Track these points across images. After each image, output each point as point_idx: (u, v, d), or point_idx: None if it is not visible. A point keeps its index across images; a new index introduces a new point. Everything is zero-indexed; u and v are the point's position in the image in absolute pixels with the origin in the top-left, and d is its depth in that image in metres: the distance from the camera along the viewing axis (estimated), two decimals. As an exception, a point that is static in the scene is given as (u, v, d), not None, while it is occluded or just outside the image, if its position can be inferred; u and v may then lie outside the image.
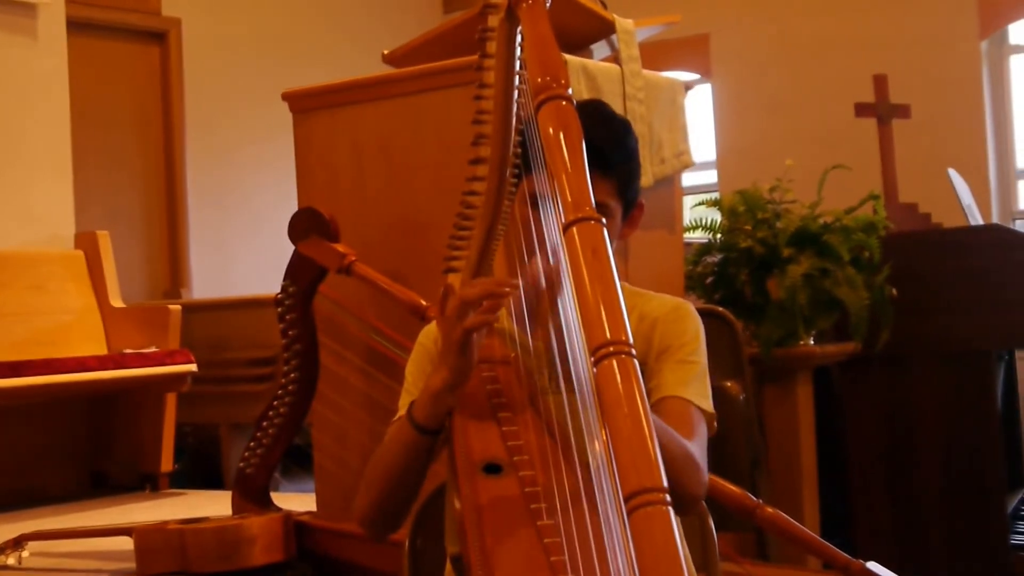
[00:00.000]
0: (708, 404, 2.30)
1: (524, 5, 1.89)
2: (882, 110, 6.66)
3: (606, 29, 4.45)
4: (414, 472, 2.22)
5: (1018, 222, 8.95)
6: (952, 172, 6.59)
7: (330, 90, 4.40)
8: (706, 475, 2.19)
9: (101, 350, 6.51)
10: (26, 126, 6.73)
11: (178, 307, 6.58)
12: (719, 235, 5.17)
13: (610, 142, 2.31)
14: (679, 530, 1.39)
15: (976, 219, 6.36)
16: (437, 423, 2.15)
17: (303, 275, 4.22)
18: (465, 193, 2.17)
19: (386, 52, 4.40)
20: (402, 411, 2.27)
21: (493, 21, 2.00)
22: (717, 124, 10.01)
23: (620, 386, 1.45)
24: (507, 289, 2.04)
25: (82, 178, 7.21)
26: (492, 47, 2.02)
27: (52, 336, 6.41)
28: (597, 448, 1.92)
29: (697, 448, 2.19)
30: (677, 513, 2.39)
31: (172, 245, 8.97)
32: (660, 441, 2.07)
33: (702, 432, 2.25)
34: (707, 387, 2.33)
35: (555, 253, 2.09)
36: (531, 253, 2.21)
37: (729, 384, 4.41)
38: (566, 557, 1.82)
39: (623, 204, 2.37)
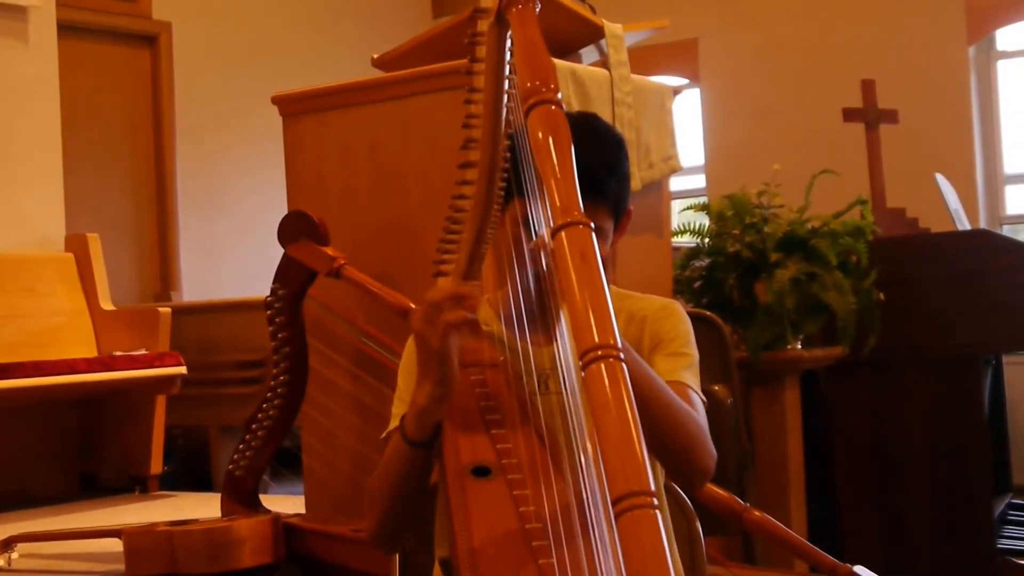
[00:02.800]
0: (701, 394, 2.31)
1: (514, 10, 1.89)
2: (870, 115, 6.68)
3: (595, 34, 4.45)
4: (415, 485, 2.22)
5: (1005, 227, 8.98)
6: (939, 177, 6.62)
7: (319, 94, 4.40)
8: (714, 449, 2.19)
9: (91, 352, 6.51)
10: (16, 129, 6.73)
11: (168, 310, 6.58)
12: (707, 239, 5.19)
13: (603, 167, 2.31)
14: (667, 533, 1.39)
15: (963, 224, 6.39)
16: (429, 436, 2.14)
17: (292, 278, 4.22)
18: (454, 197, 2.16)
19: (375, 56, 4.40)
20: (395, 419, 2.27)
21: (483, 26, 2.00)
22: (706, 129, 10.03)
23: (608, 390, 1.45)
24: (470, 289, 2.05)
25: (72, 181, 7.21)
26: (482, 52, 2.02)
27: (42, 338, 6.41)
28: (584, 451, 1.93)
29: (704, 423, 2.21)
30: (689, 489, 2.41)
31: (162, 248, 8.97)
32: (675, 411, 2.11)
33: (703, 412, 2.25)
34: (699, 379, 2.34)
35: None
36: (520, 258, 2.21)
37: (717, 388, 4.41)
38: (554, 560, 1.82)
39: (615, 220, 2.38)
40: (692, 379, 2.31)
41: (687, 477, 2.24)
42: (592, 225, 1.61)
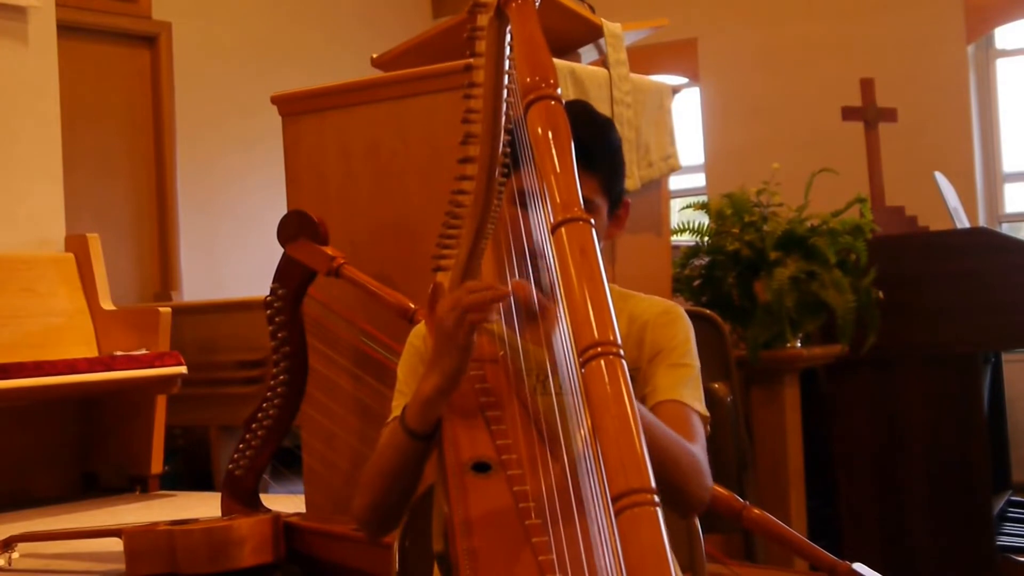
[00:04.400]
0: (702, 407, 2.31)
1: (513, 4, 1.89)
2: (869, 114, 6.69)
3: (594, 33, 4.46)
4: (409, 475, 2.23)
5: (1004, 225, 8.99)
6: (938, 175, 6.62)
7: (319, 93, 4.41)
8: (710, 479, 2.20)
9: (91, 352, 6.51)
10: (17, 129, 6.73)
11: (168, 309, 6.58)
12: (706, 238, 5.19)
13: (594, 138, 2.31)
14: (666, 531, 1.39)
15: (962, 222, 6.39)
16: (430, 428, 2.15)
17: (292, 278, 4.23)
18: (454, 192, 2.17)
19: (375, 56, 4.41)
20: (395, 412, 2.28)
21: (482, 20, 2.00)
22: (705, 128, 10.03)
23: (608, 386, 1.45)
24: (503, 292, 2.06)
25: (72, 181, 7.22)
26: (481, 47, 2.02)
27: (42, 338, 6.41)
28: (583, 448, 1.93)
29: (700, 452, 2.21)
30: (684, 517, 2.41)
31: (162, 248, 8.97)
32: (669, 448, 2.09)
33: (702, 435, 2.26)
34: (700, 390, 2.33)
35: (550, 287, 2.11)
36: (519, 251, 2.22)
37: (716, 386, 4.41)
38: (553, 556, 1.83)
39: (608, 201, 2.37)
40: (692, 395, 2.30)
41: (681, 509, 2.23)
42: (592, 221, 1.60)
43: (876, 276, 5.19)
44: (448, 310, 2.07)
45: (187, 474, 7.38)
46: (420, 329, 2.40)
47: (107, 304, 6.70)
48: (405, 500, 2.30)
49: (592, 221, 1.61)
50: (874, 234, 5.29)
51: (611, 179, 2.37)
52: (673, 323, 2.37)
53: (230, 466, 4.51)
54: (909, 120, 7.22)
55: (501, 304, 2.23)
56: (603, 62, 4.46)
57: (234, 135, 9.29)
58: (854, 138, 6.86)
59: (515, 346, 2.22)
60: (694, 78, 10.05)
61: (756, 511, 3.62)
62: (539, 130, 1.69)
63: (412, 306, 3.84)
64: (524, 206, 2.18)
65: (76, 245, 6.81)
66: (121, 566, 4.35)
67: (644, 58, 6.28)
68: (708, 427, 2.31)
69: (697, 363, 2.36)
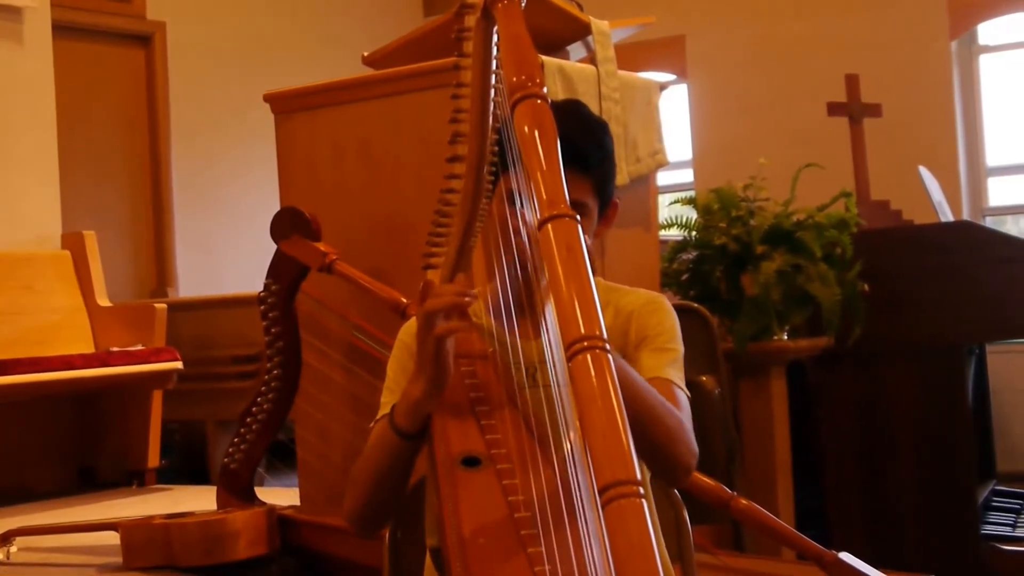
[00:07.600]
0: (685, 389, 2.33)
1: (500, 5, 1.91)
2: (854, 109, 6.72)
3: (582, 31, 4.49)
4: (398, 473, 2.25)
5: (988, 219, 9.02)
6: (923, 170, 6.65)
7: (311, 91, 4.43)
8: (696, 446, 2.21)
9: (88, 348, 6.52)
10: (13, 129, 6.75)
11: (164, 306, 6.60)
12: (694, 232, 5.22)
13: (588, 142, 2.34)
14: (654, 522, 1.42)
15: (946, 216, 6.42)
16: (418, 428, 2.17)
17: (285, 273, 4.25)
18: (443, 191, 2.19)
19: (366, 54, 4.45)
20: (384, 409, 2.30)
21: (469, 21, 2.03)
22: (693, 124, 10.05)
23: (594, 380, 1.47)
24: (469, 298, 2.07)
25: (69, 180, 7.23)
26: (469, 47, 2.04)
27: (39, 335, 6.42)
28: (571, 441, 1.97)
29: (686, 418, 2.23)
30: (671, 485, 2.44)
31: (158, 245, 8.98)
32: (654, 406, 2.11)
33: (687, 409, 2.27)
34: (683, 374, 2.35)
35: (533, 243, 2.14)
36: (508, 251, 2.23)
37: (704, 379, 4.48)
38: (543, 549, 1.85)
39: (600, 203, 2.39)
40: (676, 375, 2.32)
41: (668, 474, 2.26)
42: (578, 217, 1.63)
43: (861, 269, 5.23)
44: (417, 316, 2.11)
45: (183, 468, 7.39)
46: (410, 326, 2.39)
47: (103, 301, 6.72)
48: (394, 499, 2.31)
49: (578, 217, 1.62)
50: (859, 228, 5.33)
51: (603, 182, 2.40)
52: (657, 311, 2.39)
53: (225, 460, 4.54)
54: (894, 115, 7.25)
55: (490, 299, 2.28)
56: (591, 59, 4.49)
57: (228, 133, 9.32)
58: (839, 133, 6.89)
59: (504, 341, 2.24)
60: (682, 75, 10.08)
61: (744, 502, 3.66)
62: (525, 128, 1.71)
63: (404, 301, 3.87)
64: (513, 205, 2.22)
65: (73, 243, 6.83)
66: (118, 559, 4.37)
67: (632, 55, 6.32)
68: (689, 412, 2.32)
69: (681, 348, 2.38)
